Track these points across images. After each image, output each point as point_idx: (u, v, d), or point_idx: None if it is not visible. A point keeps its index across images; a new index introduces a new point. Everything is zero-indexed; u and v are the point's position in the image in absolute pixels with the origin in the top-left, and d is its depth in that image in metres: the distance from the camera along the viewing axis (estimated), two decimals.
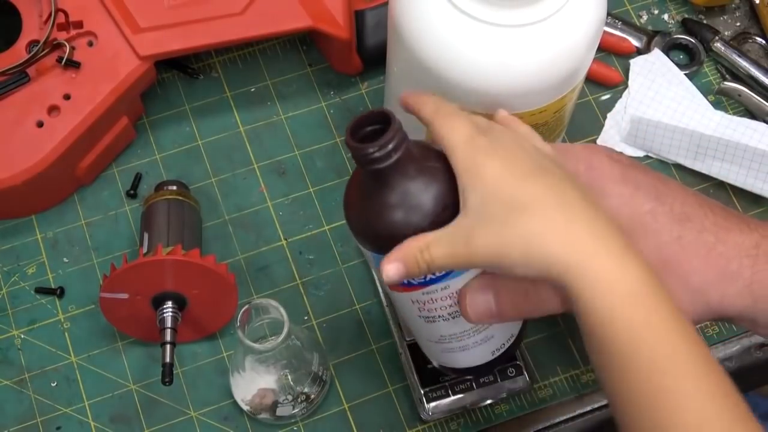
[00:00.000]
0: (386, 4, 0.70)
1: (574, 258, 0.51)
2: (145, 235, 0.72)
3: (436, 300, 0.58)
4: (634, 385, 0.50)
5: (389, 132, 0.53)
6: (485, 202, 0.53)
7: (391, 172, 0.54)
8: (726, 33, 0.85)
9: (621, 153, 0.61)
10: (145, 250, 0.71)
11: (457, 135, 0.54)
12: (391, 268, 0.55)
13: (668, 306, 0.51)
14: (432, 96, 0.58)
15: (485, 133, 0.55)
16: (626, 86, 0.82)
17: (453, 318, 0.59)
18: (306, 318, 0.74)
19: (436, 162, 0.56)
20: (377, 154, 0.54)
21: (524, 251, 0.52)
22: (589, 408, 0.72)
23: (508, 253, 0.52)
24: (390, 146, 0.54)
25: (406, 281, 0.57)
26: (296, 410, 0.69)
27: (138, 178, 0.79)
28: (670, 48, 0.83)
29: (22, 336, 0.74)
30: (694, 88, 0.80)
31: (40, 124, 0.73)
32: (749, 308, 0.57)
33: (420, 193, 0.55)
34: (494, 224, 0.52)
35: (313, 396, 0.69)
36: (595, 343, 0.51)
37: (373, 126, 0.56)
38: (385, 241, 0.55)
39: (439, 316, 0.60)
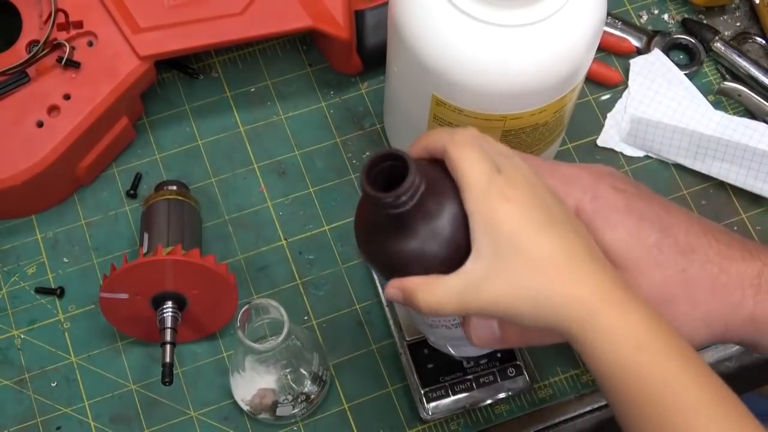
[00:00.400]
0: (386, 4, 0.70)
1: (581, 313, 0.51)
2: (145, 235, 0.72)
3: (440, 317, 0.59)
4: (647, 425, 0.50)
5: (408, 181, 0.51)
6: (499, 251, 0.52)
7: (404, 215, 0.53)
8: (726, 33, 0.85)
9: (626, 180, 0.61)
10: (145, 250, 0.71)
11: (474, 173, 0.53)
12: (394, 294, 0.55)
13: (675, 345, 0.51)
14: (439, 128, 0.57)
15: (500, 169, 0.53)
16: (626, 86, 0.82)
17: (456, 327, 0.60)
18: (306, 318, 0.74)
19: (449, 197, 0.54)
20: (395, 203, 0.52)
21: (535, 305, 0.52)
22: (589, 408, 0.72)
23: (518, 307, 0.52)
24: (408, 195, 0.51)
25: None
26: (296, 410, 0.69)
27: (138, 178, 0.79)
28: (670, 48, 0.83)
29: (22, 336, 0.74)
30: (694, 88, 0.80)
31: (40, 124, 0.73)
32: (751, 335, 0.58)
33: (432, 234, 0.53)
34: (506, 276, 0.52)
35: (313, 396, 0.69)
36: (607, 387, 0.52)
37: (385, 161, 0.53)
38: (394, 274, 0.55)
39: (443, 326, 0.60)
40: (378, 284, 0.74)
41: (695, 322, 0.57)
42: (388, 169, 0.53)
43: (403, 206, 0.52)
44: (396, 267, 0.55)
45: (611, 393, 0.52)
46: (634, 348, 0.50)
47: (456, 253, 0.53)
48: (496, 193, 0.52)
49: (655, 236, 0.57)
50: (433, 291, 0.53)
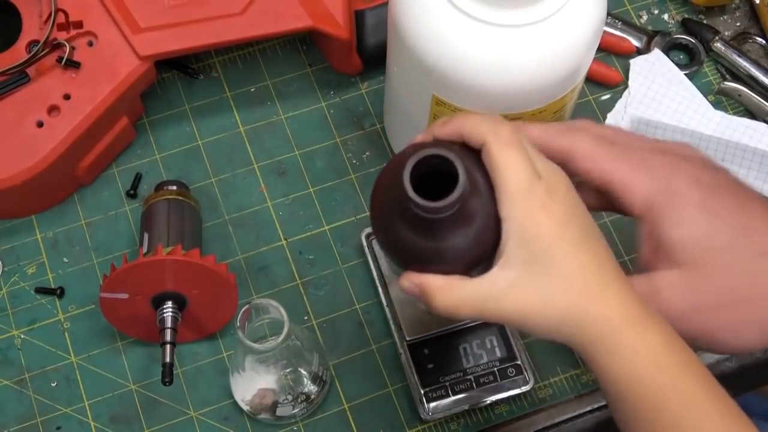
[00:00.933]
0: (386, 4, 0.70)
1: (603, 331, 0.51)
2: (145, 235, 0.72)
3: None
4: None
5: (456, 192, 0.48)
6: (530, 263, 0.51)
7: (441, 221, 0.50)
8: (726, 33, 0.85)
9: (706, 167, 0.57)
10: (145, 250, 0.71)
11: (515, 177, 0.50)
12: (409, 288, 0.53)
13: (691, 365, 0.51)
14: (479, 113, 0.54)
15: (541, 176, 0.51)
16: (626, 86, 0.82)
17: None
18: (306, 318, 0.74)
19: (483, 197, 0.51)
20: (438, 211, 0.49)
21: (558, 321, 0.51)
22: (589, 408, 0.72)
23: (540, 320, 0.51)
24: (455, 207, 0.49)
25: None
26: (296, 410, 0.69)
27: (138, 178, 0.79)
28: (670, 48, 0.83)
29: (22, 336, 0.74)
30: (694, 88, 0.80)
31: (40, 124, 0.73)
32: None
33: (461, 235, 0.51)
34: (534, 290, 0.51)
35: (313, 396, 0.69)
36: (621, 404, 0.52)
37: (431, 161, 0.50)
38: (410, 267, 0.53)
39: None
40: (378, 284, 0.74)
41: (753, 328, 0.56)
42: (426, 164, 0.50)
43: (443, 213, 0.49)
44: (416, 262, 0.53)
45: (626, 411, 0.51)
46: (653, 368, 0.50)
47: (482, 255, 0.52)
48: (536, 203, 0.50)
49: (727, 238, 0.55)
50: (453, 295, 0.52)
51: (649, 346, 0.51)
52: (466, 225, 0.51)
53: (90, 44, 0.74)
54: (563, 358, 0.73)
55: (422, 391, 0.70)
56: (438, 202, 0.49)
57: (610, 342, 0.51)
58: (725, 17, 0.86)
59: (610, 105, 0.82)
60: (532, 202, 0.50)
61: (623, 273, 0.53)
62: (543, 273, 0.50)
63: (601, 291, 0.51)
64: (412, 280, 0.53)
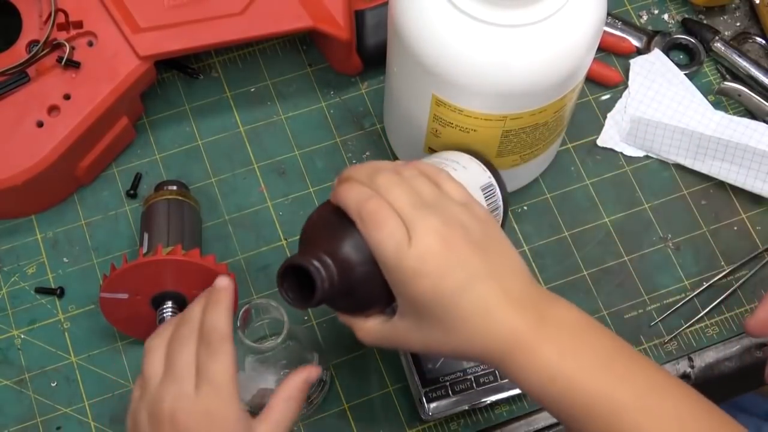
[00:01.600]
0: (386, 4, 0.70)
1: (496, 356, 0.55)
2: (145, 235, 0.72)
3: None
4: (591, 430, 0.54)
5: (316, 296, 0.56)
6: (417, 316, 0.56)
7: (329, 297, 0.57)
8: (726, 33, 0.85)
9: None
10: (145, 250, 0.71)
11: (383, 252, 0.55)
12: (342, 322, 0.61)
13: (592, 360, 0.54)
14: (356, 182, 0.58)
15: (411, 234, 0.55)
16: (626, 86, 0.82)
17: None
18: (306, 318, 0.74)
19: (366, 267, 0.57)
20: (307, 306, 0.57)
21: (456, 354, 0.57)
22: None
23: (443, 353, 0.59)
24: (323, 298, 0.56)
25: None
26: None
27: (138, 178, 0.79)
28: (670, 48, 0.83)
29: (22, 336, 0.74)
30: (694, 88, 0.80)
31: (40, 124, 0.73)
32: None
33: (361, 296, 0.58)
34: (427, 334, 0.56)
35: (313, 396, 0.69)
36: (543, 407, 0.57)
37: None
38: (339, 312, 0.61)
39: None
40: None
41: None
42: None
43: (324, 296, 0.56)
44: (339, 310, 0.61)
45: (547, 410, 0.56)
46: (547, 380, 0.54)
47: (388, 297, 0.57)
48: (408, 270, 0.55)
49: None
50: (370, 334, 0.60)
51: (540, 363, 0.54)
52: (358, 291, 0.57)
53: (90, 44, 0.74)
54: None
55: (422, 391, 0.70)
56: (303, 302, 0.57)
57: (507, 364, 0.55)
58: (725, 17, 0.86)
59: (610, 105, 0.82)
60: (404, 270, 0.55)
61: (523, 293, 0.56)
62: (430, 325, 0.56)
63: (487, 324, 0.55)
64: (341, 319, 0.61)
